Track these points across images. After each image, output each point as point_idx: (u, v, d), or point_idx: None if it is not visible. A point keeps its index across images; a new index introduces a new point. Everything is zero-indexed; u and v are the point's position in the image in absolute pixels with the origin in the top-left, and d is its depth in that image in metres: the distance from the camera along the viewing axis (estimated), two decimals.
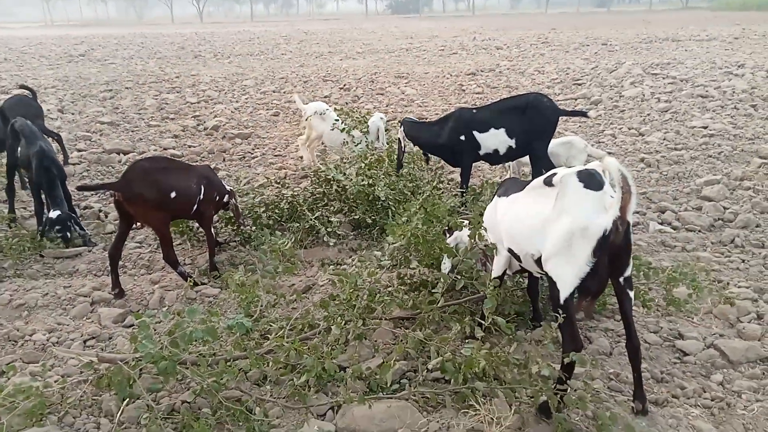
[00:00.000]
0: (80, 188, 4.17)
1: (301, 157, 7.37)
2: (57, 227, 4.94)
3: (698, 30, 26.34)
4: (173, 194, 4.09)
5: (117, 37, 33.77)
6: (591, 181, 2.60)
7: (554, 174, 2.79)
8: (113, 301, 4.07)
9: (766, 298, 3.84)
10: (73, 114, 10.66)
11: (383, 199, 5.03)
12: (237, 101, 12.15)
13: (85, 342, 3.53)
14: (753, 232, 4.96)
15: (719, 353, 3.24)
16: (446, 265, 3.78)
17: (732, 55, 16.13)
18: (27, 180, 6.50)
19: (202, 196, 4.39)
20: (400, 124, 5.89)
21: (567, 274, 2.60)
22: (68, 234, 4.98)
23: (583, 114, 5.87)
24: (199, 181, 4.40)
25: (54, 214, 4.95)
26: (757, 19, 34.28)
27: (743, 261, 4.45)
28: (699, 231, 5.10)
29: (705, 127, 8.44)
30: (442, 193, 5.76)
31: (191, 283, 4.02)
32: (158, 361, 2.73)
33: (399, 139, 5.79)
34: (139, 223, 4.24)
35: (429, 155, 5.99)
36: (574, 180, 2.62)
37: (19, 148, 5.35)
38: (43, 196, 5.25)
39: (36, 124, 5.79)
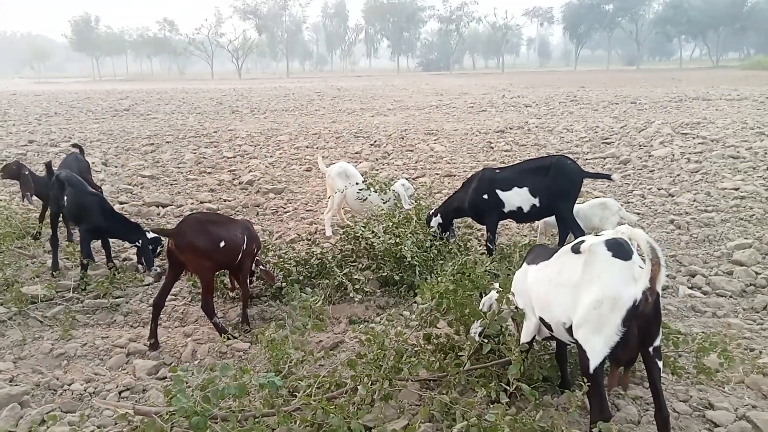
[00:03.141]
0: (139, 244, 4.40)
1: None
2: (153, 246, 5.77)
3: (729, 89, 26.39)
4: (222, 244, 4.34)
5: (159, 92, 35.46)
6: (620, 250, 2.65)
7: (582, 241, 2.86)
8: (148, 353, 4.21)
9: None
10: (116, 167, 11.18)
11: (410, 257, 5.13)
12: (271, 156, 12.58)
13: (120, 393, 3.65)
14: None
15: (752, 426, 3.17)
16: (476, 328, 3.81)
17: (764, 116, 16.10)
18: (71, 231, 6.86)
19: (245, 247, 4.60)
20: (433, 214, 6.14)
21: (597, 343, 2.63)
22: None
23: (607, 177, 5.97)
24: (243, 233, 4.65)
25: (150, 235, 5.74)
26: None
27: None
28: (730, 296, 5.04)
29: (736, 189, 8.40)
30: (468, 251, 5.85)
31: (225, 339, 4.16)
32: (191, 416, 2.82)
33: (437, 230, 6.02)
34: (186, 274, 4.49)
35: (451, 232, 6.19)
36: (603, 249, 2.68)
37: (65, 197, 5.68)
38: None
39: (83, 177, 6.21)
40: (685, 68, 66.56)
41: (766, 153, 10.70)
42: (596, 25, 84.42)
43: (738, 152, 10.92)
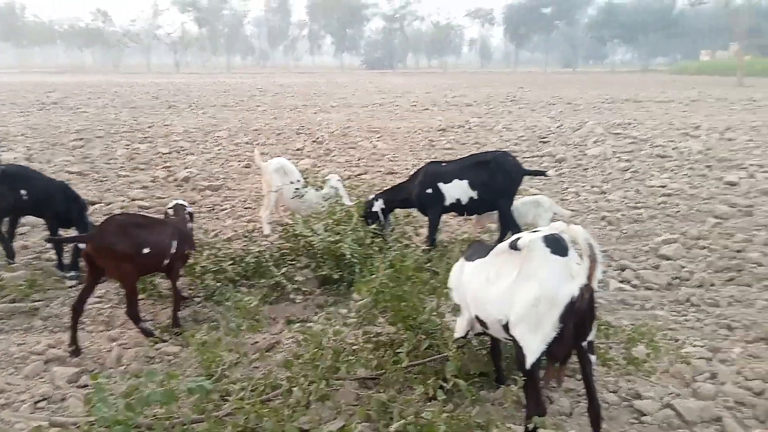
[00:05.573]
0: (49, 240, 4.12)
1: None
2: None
3: (658, 92, 27.72)
4: (146, 250, 4.10)
5: (91, 85, 33.89)
6: (557, 246, 2.63)
7: (519, 238, 2.85)
8: (68, 359, 3.96)
9: (719, 357, 3.94)
10: (41, 163, 10.54)
11: (349, 255, 5.06)
12: (209, 152, 12.22)
13: (35, 403, 3.40)
14: (708, 291, 5.12)
15: (675, 413, 3.29)
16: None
17: (689, 117, 17.00)
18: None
19: (173, 251, 4.39)
20: (375, 198, 6.07)
21: (534, 339, 2.63)
22: None
23: (543, 173, 6.15)
24: (173, 237, 4.41)
25: None
26: (712, 83, 36.27)
27: (698, 320, 4.58)
28: (657, 289, 5.25)
29: (663, 187, 8.80)
30: (407, 246, 5.84)
31: (152, 343, 3.95)
32: (113, 426, 2.65)
33: (378, 214, 5.97)
34: (106, 278, 4.22)
35: (387, 222, 6.17)
36: (541, 245, 2.66)
37: (22, 191, 5.43)
38: None
39: None
40: (618, 71, 69.52)
41: (690, 153, 11.27)
42: (535, 27, 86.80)
43: (665, 152, 11.46)
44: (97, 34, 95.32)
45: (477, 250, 3.32)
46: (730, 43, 59.60)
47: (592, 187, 9.09)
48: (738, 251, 5.97)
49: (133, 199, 8.33)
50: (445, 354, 3.47)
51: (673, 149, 11.68)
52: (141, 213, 6.84)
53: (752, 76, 40.56)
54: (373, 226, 5.74)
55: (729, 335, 4.32)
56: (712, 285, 5.25)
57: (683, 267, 5.67)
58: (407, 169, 10.41)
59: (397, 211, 6.60)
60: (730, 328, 4.41)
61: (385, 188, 6.54)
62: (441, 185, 5.79)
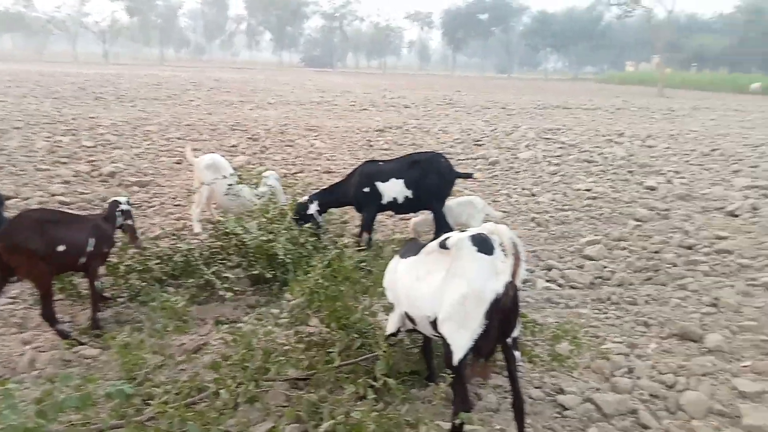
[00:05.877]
0: None
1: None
2: None
3: (585, 99, 28.97)
4: (61, 248, 3.88)
5: (10, 72, 31.81)
6: (484, 245, 2.72)
7: (448, 238, 2.91)
8: None
9: (636, 352, 4.15)
10: None
11: (282, 255, 4.98)
12: (138, 147, 11.72)
13: None
14: (627, 290, 5.39)
15: (595, 407, 3.44)
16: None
17: (614, 124, 17.86)
18: None
19: (91, 249, 4.17)
20: (309, 201, 6.01)
21: (461, 336, 2.68)
22: None
23: (470, 176, 6.40)
24: (90, 234, 4.19)
25: None
26: (635, 93, 38.33)
27: (618, 317, 4.81)
28: (581, 288, 5.48)
29: (588, 190, 9.20)
30: (346, 246, 5.82)
31: (67, 345, 3.74)
32: None
33: (312, 216, 5.93)
34: (16, 278, 3.95)
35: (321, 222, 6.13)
36: (468, 244, 2.73)
37: None
38: None
39: None
40: (549, 79, 72.19)
41: (614, 158, 11.84)
42: (472, 32, 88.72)
43: (591, 157, 11.99)
44: (17, 19, 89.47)
45: (411, 248, 3.37)
46: (652, 56, 63.18)
47: (523, 189, 9.38)
48: (655, 252, 6.33)
49: (53, 195, 7.87)
50: (377, 353, 3.48)
51: (598, 155, 12.23)
52: (60, 209, 6.45)
53: (671, 88, 43.23)
54: (307, 225, 5.68)
55: (645, 332, 4.56)
56: (631, 284, 5.53)
57: (605, 267, 5.95)
58: (345, 168, 10.38)
59: (335, 212, 6.59)
60: (646, 325, 4.66)
61: (320, 188, 6.50)
62: (378, 184, 5.86)
